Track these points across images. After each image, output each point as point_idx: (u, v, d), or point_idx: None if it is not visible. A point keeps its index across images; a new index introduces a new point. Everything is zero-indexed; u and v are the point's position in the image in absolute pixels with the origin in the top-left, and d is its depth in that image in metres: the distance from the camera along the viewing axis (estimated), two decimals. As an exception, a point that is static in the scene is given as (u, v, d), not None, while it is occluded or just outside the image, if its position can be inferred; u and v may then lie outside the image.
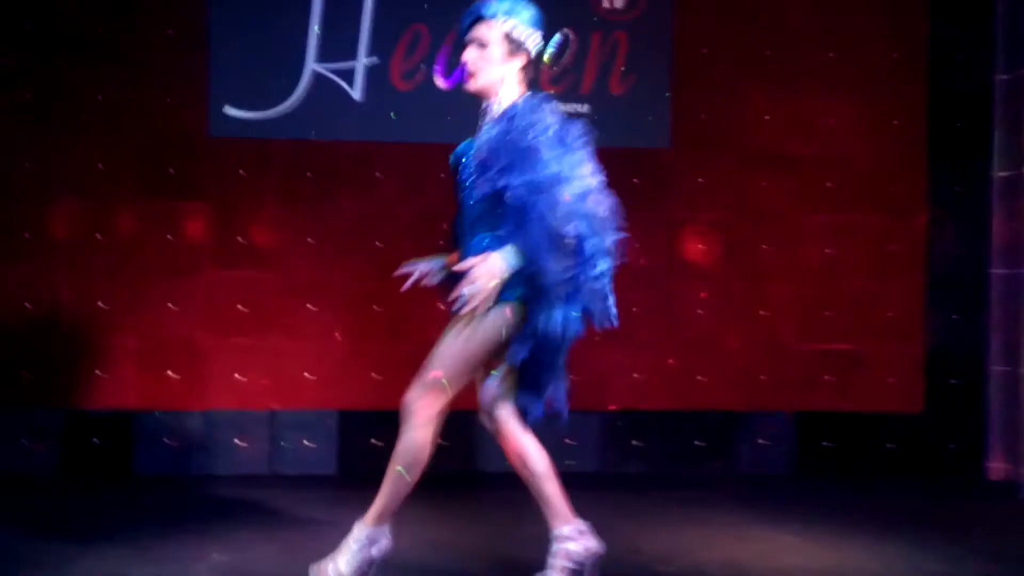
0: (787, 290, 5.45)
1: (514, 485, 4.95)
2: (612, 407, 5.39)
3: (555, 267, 3.12)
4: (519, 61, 3.31)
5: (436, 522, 4.31)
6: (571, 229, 3.13)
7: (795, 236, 5.46)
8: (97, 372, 5.11)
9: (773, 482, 5.28)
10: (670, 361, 5.40)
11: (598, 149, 5.20)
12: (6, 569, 3.59)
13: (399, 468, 3.26)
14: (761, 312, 5.44)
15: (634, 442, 5.37)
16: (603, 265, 3.25)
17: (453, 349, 3.23)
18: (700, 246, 5.44)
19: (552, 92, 5.33)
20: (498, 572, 3.73)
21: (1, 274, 5.07)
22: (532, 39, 3.32)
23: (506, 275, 3.14)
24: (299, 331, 5.23)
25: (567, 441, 5.30)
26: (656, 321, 5.39)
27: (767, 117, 5.45)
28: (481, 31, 3.29)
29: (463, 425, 5.20)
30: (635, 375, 5.39)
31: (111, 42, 5.14)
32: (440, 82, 5.34)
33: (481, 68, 3.28)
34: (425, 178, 5.28)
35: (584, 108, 5.37)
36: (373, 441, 5.18)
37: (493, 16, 3.29)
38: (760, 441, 5.42)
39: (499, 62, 3.28)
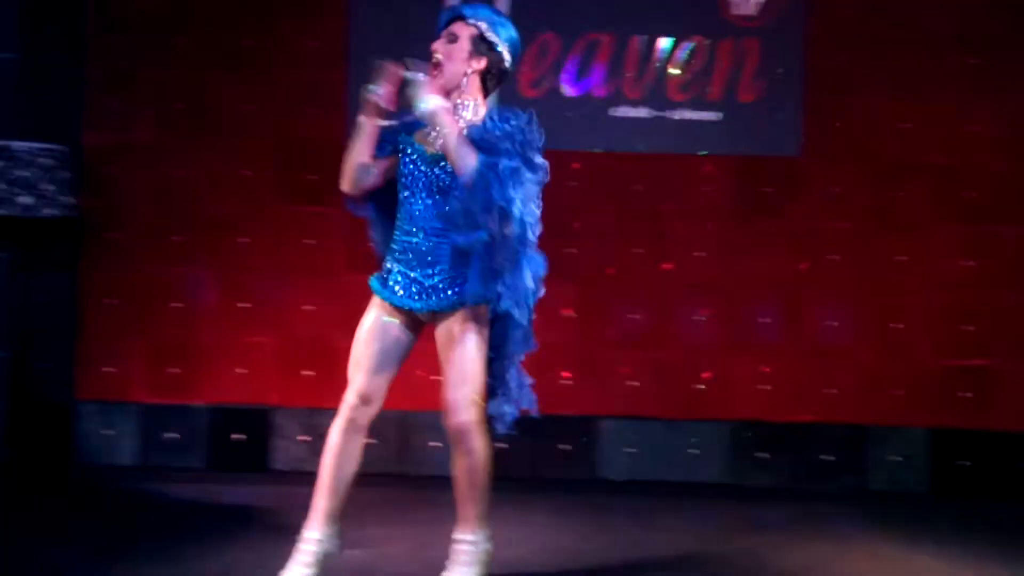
0: (923, 302, 5.30)
1: (641, 492, 5.02)
2: (740, 417, 5.33)
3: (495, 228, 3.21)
4: (481, 64, 3.35)
5: (560, 529, 4.35)
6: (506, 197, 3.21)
7: (931, 247, 5.31)
8: (238, 370, 5.36)
9: (906, 500, 5.13)
10: (799, 372, 5.32)
11: (728, 157, 5.28)
12: (158, 557, 3.81)
13: (485, 479, 3.42)
14: (895, 325, 5.30)
15: (760, 454, 5.31)
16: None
17: (467, 365, 3.33)
18: (832, 256, 5.34)
19: (680, 99, 5.36)
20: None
21: (153, 274, 5.36)
22: (502, 50, 3.37)
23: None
24: (427, 333, 5.34)
25: (691, 451, 5.28)
26: (785, 331, 5.32)
27: (903, 125, 5.31)
28: (456, 26, 3.38)
29: (588, 431, 5.30)
30: (763, 386, 5.32)
31: (257, 55, 5.38)
32: (567, 90, 5.39)
33: (446, 60, 3.34)
34: (550, 183, 5.33)
35: (713, 115, 5.35)
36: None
37: (471, 17, 3.37)
38: (892, 457, 5.28)
39: (464, 60, 3.33)
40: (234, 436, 5.32)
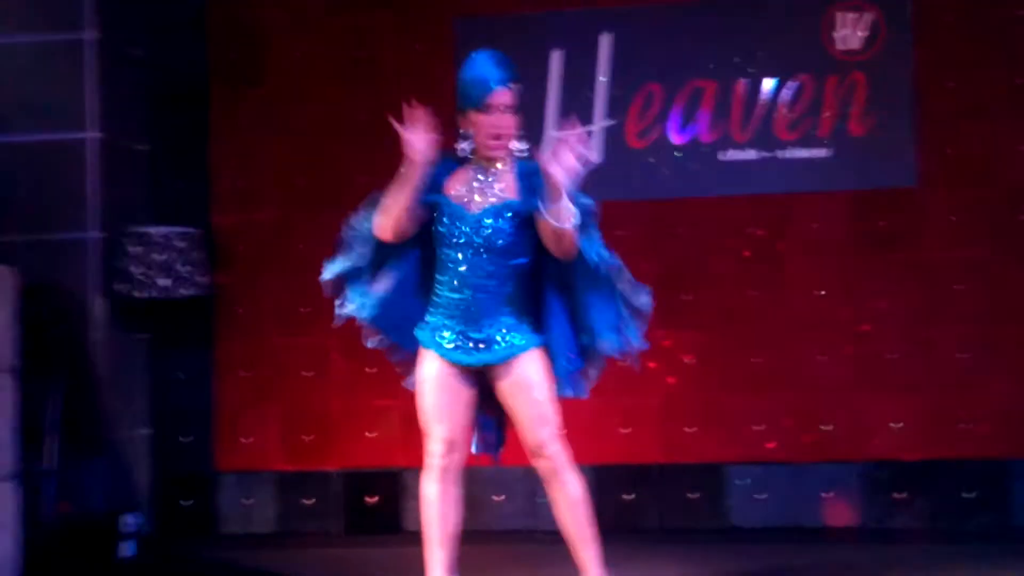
0: (1058, 328, 5.12)
1: (770, 540, 4.93)
2: (872, 457, 5.20)
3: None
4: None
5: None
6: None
7: (1064, 271, 5.13)
8: (368, 433, 5.48)
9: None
10: (932, 407, 5.17)
11: (843, 192, 5.20)
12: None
13: (589, 514, 3.47)
14: (1030, 352, 5.12)
15: (896, 495, 5.16)
16: None
17: (543, 404, 3.41)
18: (957, 286, 5.19)
19: (789, 138, 5.32)
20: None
21: (283, 345, 5.53)
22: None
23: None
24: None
25: (823, 494, 5.17)
26: (914, 366, 5.18)
27: (1022, 147, 5.17)
28: (505, 96, 3.38)
29: (716, 478, 5.24)
30: (894, 424, 5.19)
31: (373, 126, 5.55)
32: (674, 138, 5.42)
33: (514, 132, 3.40)
34: (663, 232, 5.37)
35: (825, 152, 5.30)
36: (625, 496, 5.26)
37: (510, 81, 3.40)
38: (1036, 491, 5.07)
39: (516, 126, 3.42)
40: (368, 499, 5.44)
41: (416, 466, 5.31)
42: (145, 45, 5.56)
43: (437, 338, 3.44)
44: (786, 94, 5.32)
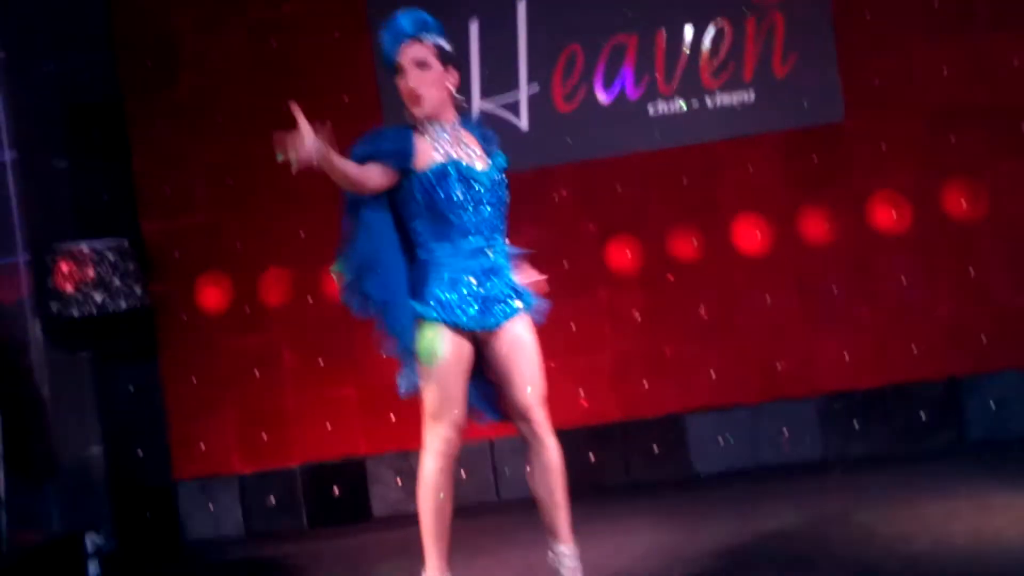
0: (995, 244, 5.17)
1: (734, 483, 4.97)
2: (827, 390, 5.24)
3: None
4: (455, 77, 3.39)
5: (662, 530, 4.32)
6: None
7: (995, 187, 5.18)
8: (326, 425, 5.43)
9: (1010, 447, 4.97)
10: (878, 335, 5.22)
11: (773, 134, 5.23)
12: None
13: (566, 477, 3.44)
14: (971, 271, 5.18)
15: (854, 423, 5.22)
16: None
17: (536, 364, 3.40)
18: (893, 213, 5.24)
19: (715, 85, 5.33)
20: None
21: (230, 347, 5.46)
22: (449, 48, 3.41)
23: None
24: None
25: (784, 430, 5.21)
26: (858, 297, 5.23)
27: (945, 70, 5.21)
28: (418, 51, 3.33)
29: (675, 429, 5.27)
30: (845, 355, 5.23)
31: (292, 120, 5.47)
32: (601, 96, 5.40)
33: (427, 89, 3.33)
34: (602, 193, 5.36)
35: (751, 96, 5.31)
36: (589, 456, 5.27)
37: (423, 34, 3.35)
38: (990, 405, 5.14)
39: (440, 81, 3.36)
40: (333, 491, 5.39)
41: (377, 452, 5.37)
42: (55, 60, 5.43)
43: (457, 311, 3.31)
44: (707, 40, 5.32)
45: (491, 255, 3.37)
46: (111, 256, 5.15)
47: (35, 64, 5.33)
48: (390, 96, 5.28)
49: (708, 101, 5.34)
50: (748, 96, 5.32)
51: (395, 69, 3.35)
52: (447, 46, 3.40)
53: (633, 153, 5.36)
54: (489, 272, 3.36)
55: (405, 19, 3.37)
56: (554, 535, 3.46)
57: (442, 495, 3.31)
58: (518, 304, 3.40)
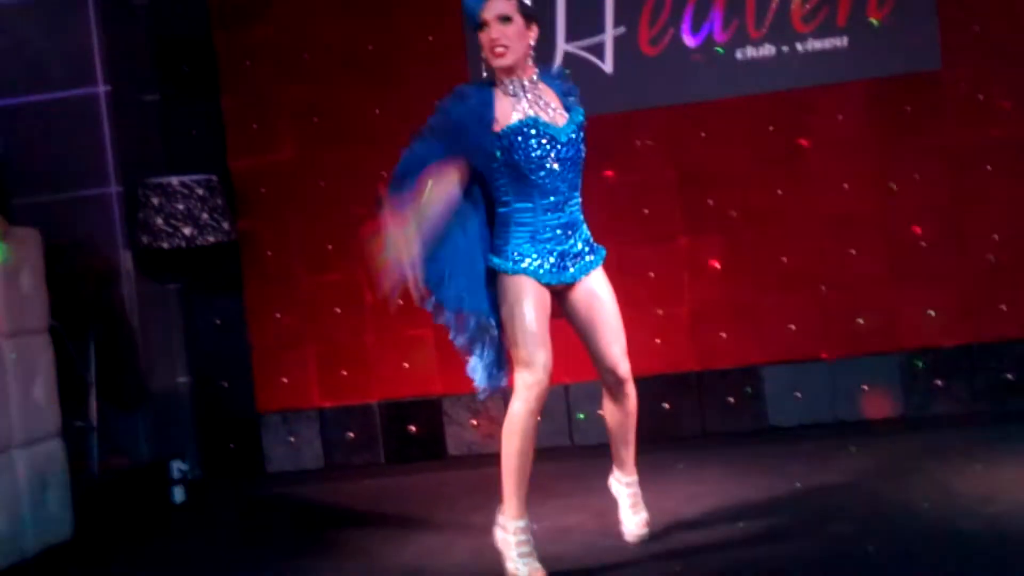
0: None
1: (810, 437, 4.93)
2: (910, 347, 5.15)
3: None
4: (535, 32, 3.43)
5: (733, 483, 4.32)
6: None
7: (1094, 143, 5.00)
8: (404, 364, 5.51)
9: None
10: (965, 292, 5.10)
11: (864, 81, 5.09)
12: (351, 550, 3.98)
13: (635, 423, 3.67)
14: (1064, 230, 5.02)
15: (937, 381, 5.12)
16: None
17: (617, 318, 3.53)
18: (988, 168, 5.09)
19: (806, 30, 5.20)
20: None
21: (313, 284, 5.57)
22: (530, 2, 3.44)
23: None
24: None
25: (864, 387, 5.14)
26: (947, 253, 5.11)
27: (1047, 17, 5.01)
28: (501, 7, 3.38)
29: (752, 381, 5.23)
30: (931, 311, 5.13)
31: (378, 60, 5.51)
32: (688, 40, 5.31)
33: (512, 43, 3.38)
34: (685, 139, 5.29)
35: (843, 41, 5.17)
36: (664, 405, 5.26)
37: None
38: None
39: (523, 35, 3.41)
40: (409, 428, 5.49)
41: (453, 392, 5.44)
42: (145, -7, 5.52)
43: (531, 264, 3.40)
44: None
45: (568, 211, 3.44)
46: (200, 191, 5.25)
47: (126, -3, 5.41)
48: (474, 38, 5.32)
49: (799, 46, 5.22)
50: (841, 41, 5.18)
51: (478, 23, 3.41)
52: (528, 2, 3.43)
53: (718, 99, 5.27)
54: (567, 228, 3.45)
55: None
56: (619, 466, 3.68)
57: (528, 440, 3.34)
58: (590, 259, 3.50)
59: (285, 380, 5.55)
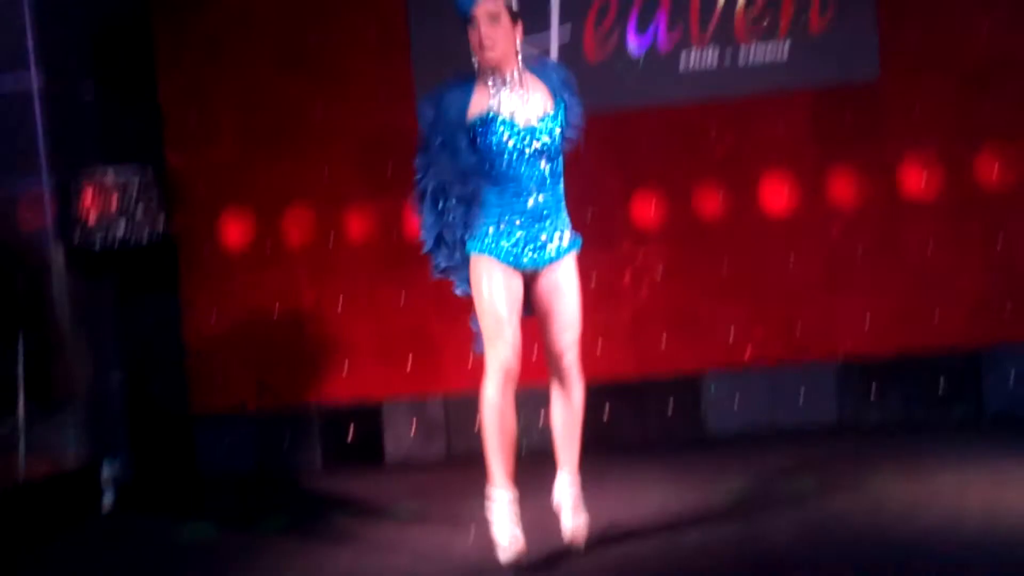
0: (1025, 214, 5.10)
1: (749, 444, 4.97)
2: (844, 355, 5.21)
3: None
4: (520, 31, 3.61)
5: (674, 490, 4.34)
6: None
7: (1031, 152, 5.10)
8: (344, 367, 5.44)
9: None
10: (901, 302, 5.17)
11: (804, 91, 5.13)
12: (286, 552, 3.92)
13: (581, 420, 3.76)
14: (999, 242, 5.11)
15: (871, 391, 5.19)
16: None
17: (576, 308, 3.66)
18: (924, 178, 5.17)
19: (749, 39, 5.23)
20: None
21: (251, 281, 5.48)
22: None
23: None
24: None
25: (800, 393, 5.20)
26: (884, 262, 5.18)
27: (985, 31, 5.08)
28: (490, 6, 3.55)
29: (691, 388, 5.26)
30: (866, 320, 5.19)
31: (322, 56, 5.43)
32: (633, 41, 5.31)
33: (499, 42, 3.55)
34: (629, 144, 5.30)
35: (784, 49, 5.21)
36: (605, 410, 5.26)
37: None
38: (1010, 379, 5.10)
39: (511, 34, 3.58)
40: (347, 432, 5.42)
41: (393, 394, 5.39)
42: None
43: (498, 245, 3.57)
44: (742, -7, 5.21)
45: (537, 200, 3.58)
46: (135, 186, 5.14)
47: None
48: (419, 36, 5.30)
49: (741, 55, 5.25)
50: (782, 50, 5.22)
51: (468, 20, 3.57)
52: (515, 5, 3.61)
53: (661, 105, 5.28)
54: (534, 215, 3.59)
55: None
56: (567, 465, 3.74)
57: (503, 415, 3.52)
58: (554, 248, 3.61)
59: (220, 380, 5.46)
